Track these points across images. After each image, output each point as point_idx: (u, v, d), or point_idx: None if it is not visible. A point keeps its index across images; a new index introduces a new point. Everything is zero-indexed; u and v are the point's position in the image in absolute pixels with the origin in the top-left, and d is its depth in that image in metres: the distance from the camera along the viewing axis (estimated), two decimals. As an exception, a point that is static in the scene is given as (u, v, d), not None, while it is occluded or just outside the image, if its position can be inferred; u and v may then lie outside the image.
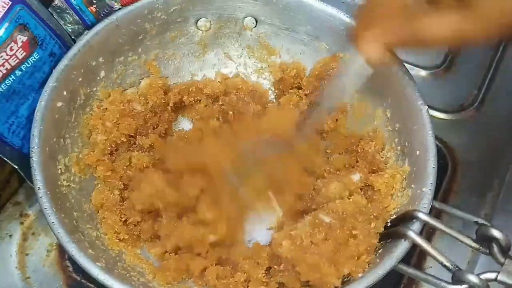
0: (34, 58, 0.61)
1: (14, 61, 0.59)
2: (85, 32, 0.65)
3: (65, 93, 0.61)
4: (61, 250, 0.67)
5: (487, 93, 0.82)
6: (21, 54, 0.59)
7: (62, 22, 0.66)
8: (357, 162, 0.66)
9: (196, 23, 0.72)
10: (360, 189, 0.62)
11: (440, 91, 0.83)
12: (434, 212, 0.66)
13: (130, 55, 0.68)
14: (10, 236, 0.68)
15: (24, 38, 0.59)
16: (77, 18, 0.67)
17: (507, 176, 0.74)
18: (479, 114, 0.80)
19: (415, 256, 0.68)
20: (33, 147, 0.56)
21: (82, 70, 0.63)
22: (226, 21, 0.72)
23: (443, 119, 0.79)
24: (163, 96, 0.70)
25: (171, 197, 0.61)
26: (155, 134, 0.68)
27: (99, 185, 0.64)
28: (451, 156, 0.76)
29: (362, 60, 0.53)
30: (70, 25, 0.66)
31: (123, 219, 0.62)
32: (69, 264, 0.67)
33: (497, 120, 0.79)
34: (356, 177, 0.62)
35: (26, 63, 0.60)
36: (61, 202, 0.57)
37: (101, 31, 0.64)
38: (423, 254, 0.66)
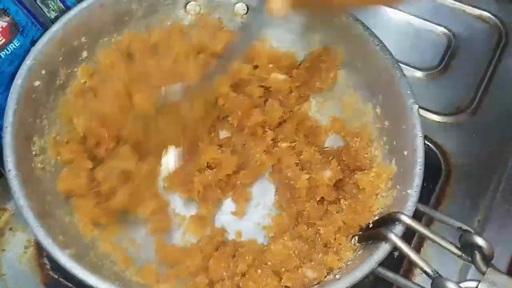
0: (15, 45, 0.59)
1: None
2: (68, 11, 0.63)
3: (43, 72, 0.59)
4: (39, 247, 0.65)
5: (483, 96, 0.80)
6: (0, 40, 0.57)
7: (45, 9, 0.63)
8: (331, 159, 0.64)
9: (185, 6, 0.69)
10: (343, 189, 0.61)
11: (436, 93, 0.81)
12: (425, 218, 0.65)
13: (114, 36, 0.66)
14: (-14, 231, 0.66)
15: (4, 24, 0.57)
16: (61, 5, 0.63)
17: (502, 181, 0.72)
18: (474, 117, 0.78)
19: (406, 262, 0.66)
20: (6, 127, 0.54)
21: (63, 49, 0.61)
22: (217, 6, 0.70)
23: (438, 121, 0.78)
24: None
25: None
26: None
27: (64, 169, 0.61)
28: (445, 159, 0.75)
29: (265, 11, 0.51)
30: (54, 13, 0.63)
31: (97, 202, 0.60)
32: (46, 262, 0.65)
33: (493, 123, 0.77)
34: (327, 173, 0.61)
35: (5, 50, 0.58)
36: (33, 185, 0.55)
37: (84, 10, 0.62)
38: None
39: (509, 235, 0.67)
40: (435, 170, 0.73)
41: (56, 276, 0.64)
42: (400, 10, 0.88)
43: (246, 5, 0.70)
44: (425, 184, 0.68)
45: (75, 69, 0.63)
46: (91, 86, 0.64)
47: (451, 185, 0.72)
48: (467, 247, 0.47)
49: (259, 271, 0.54)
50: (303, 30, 0.68)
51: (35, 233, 0.49)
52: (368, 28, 0.63)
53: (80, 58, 0.64)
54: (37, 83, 0.58)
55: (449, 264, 0.63)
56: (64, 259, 0.48)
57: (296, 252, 0.55)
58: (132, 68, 0.64)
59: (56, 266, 0.64)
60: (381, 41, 0.62)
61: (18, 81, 0.56)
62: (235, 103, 0.66)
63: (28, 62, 0.57)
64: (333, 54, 0.67)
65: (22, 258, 0.65)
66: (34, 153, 0.57)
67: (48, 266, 0.64)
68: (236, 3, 0.70)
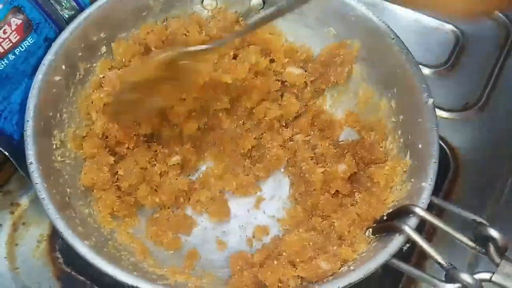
0: (29, 42, 0.59)
1: (8, 45, 0.57)
2: (87, 7, 0.64)
3: (63, 67, 0.60)
4: (52, 241, 0.66)
5: (491, 93, 0.80)
6: (15, 38, 0.58)
7: (58, 7, 0.63)
8: (346, 152, 0.65)
9: (202, 1, 0.70)
10: (358, 182, 0.61)
11: (444, 89, 0.81)
12: (435, 211, 0.65)
13: (132, 31, 0.67)
14: (0, 225, 0.67)
15: (19, 21, 0.58)
16: (74, 4, 0.64)
17: (510, 177, 0.72)
18: (483, 114, 0.78)
19: (415, 255, 0.66)
20: (28, 121, 0.55)
21: (83, 45, 0.62)
22: (234, 1, 0.70)
23: (446, 118, 0.78)
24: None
25: None
26: None
27: (86, 163, 0.62)
28: (454, 155, 0.75)
29: None
30: (67, 11, 0.64)
31: (118, 196, 0.62)
32: (59, 256, 0.66)
33: (501, 120, 0.78)
34: (342, 167, 0.61)
35: (20, 47, 0.59)
36: (54, 177, 0.56)
37: (103, 5, 0.63)
38: (423, 253, 0.65)
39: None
40: (443, 166, 0.73)
41: (68, 270, 0.65)
42: (409, 8, 0.88)
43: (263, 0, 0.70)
44: None
45: (94, 64, 0.64)
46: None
47: (459, 180, 0.73)
48: (481, 239, 0.47)
49: (275, 262, 0.55)
50: (319, 24, 0.69)
51: (55, 225, 0.51)
52: (383, 22, 0.63)
53: (99, 53, 0.65)
54: (57, 78, 0.59)
55: (457, 259, 0.63)
56: (84, 250, 0.50)
57: (310, 243, 0.56)
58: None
59: (69, 260, 0.65)
60: (397, 35, 0.62)
61: (39, 76, 0.57)
62: (252, 85, 0.67)
63: (49, 57, 0.58)
64: (348, 49, 0.67)
65: (35, 252, 0.66)
66: (54, 146, 0.58)
67: (60, 260, 0.65)
68: (252, -2, 0.70)
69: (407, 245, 0.60)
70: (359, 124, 0.68)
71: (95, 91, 0.63)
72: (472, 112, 0.79)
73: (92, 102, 0.63)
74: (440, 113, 0.78)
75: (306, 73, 0.70)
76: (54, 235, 0.67)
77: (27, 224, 0.68)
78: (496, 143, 0.76)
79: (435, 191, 0.69)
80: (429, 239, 0.67)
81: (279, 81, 0.69)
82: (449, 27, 0.87)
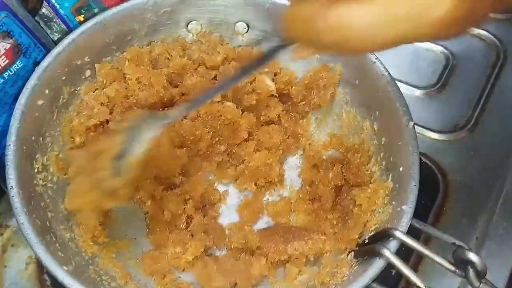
0: (18, 66, 0.60)
1: None
2: (72, 32, 0.64)
3: (47, 91, 0.60)
4: (40, 264, 0.66)
5: (481, 114, 0.80)
6: (4, 62, 0.58)
7: (49, 31, 0.64)
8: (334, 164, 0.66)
9: (187, 26, 0.71)
10: (341, 204, 0.62)
11: (434, 111, 0.81)
12: (423, 236, 0.66)
13: (117, 55, 0.68)
14: (-11, 247, 0.67)
15: (7, 46, 0.58)
16: (64, 27, 0.65)
17: (500, 198, 0.72)
18: (472, 135, 0.78)
19: (403, 280, 0.66)
20: (9, 145, 0.55)
21: (67, 69, 0.62)
22: (218, 25, 0.71)
23: (436, 139, 0.78)
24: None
25: None
26: None
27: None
28: (443, 177, 0.75)
29: None
30: (57, 34, 0.65)
31: (100, 222, 0.61)
32: (47, 278, 0.65)
33: (491, 141, 0.77)
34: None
35: (8, 71, 0.59)
36: (35, 202, 0.56)
37: (87, 30, 0.63)
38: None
39: (507, 252, 0.67)
40: (433, 187, 0.73)
41: None
42: None
43: (247, 24, 0.71)
44: (423, 201, 0.69)
45: (78, 88, 0.65)
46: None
47: (449, 202, 0.72)
48: (461, 263, 0.47)
49: None
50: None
51: (34, 250, 0.50)
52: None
53: (84, 77, 0.65)
54: (40, 102, 0.59)
55: (447, 282, 0.64)
56: (61, 274, 0.49)
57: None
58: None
59: (57, 283, 0.63)
60: (378, 58, 0.63)
61: (21, 100, 0.57)
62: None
63: (32, 81, 0.59)
64: (331, 72, 0.68)
65: (23, 274, 0.66)
66: (36, 170, 0.58)
67: (48, 283, 0.65)
68: (236, 22, 0.71)
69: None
70: (342, 146, 0.69)
71: (77, 115, 0.63)
72: (462, 133, 0.79)
73: (72, 128, 0.63)
74: (430, 134, 0.78)
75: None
76: None
77: (16, 246, 0.67)
78: (486, 165, 0.75)
79: (425, 212, 0.71)
80: (417, 263, 0.67)
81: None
82: (439, 48, 0.88)
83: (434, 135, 0.78)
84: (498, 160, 0.76)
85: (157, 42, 0.70)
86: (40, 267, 0.66)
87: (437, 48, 0.88)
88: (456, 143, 0.78)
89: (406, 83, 0.82)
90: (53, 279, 0.64)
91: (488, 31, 0.88)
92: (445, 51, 0.87)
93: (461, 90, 0.83)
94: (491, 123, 0.79)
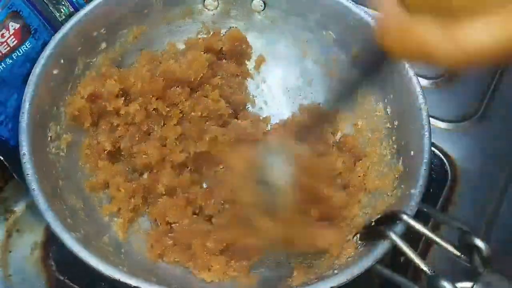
0: (26, 47, 0.60)
1: (5, 49, 0.58)
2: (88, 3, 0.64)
3: (62, 61, 0.60)
4: (46, 249, 0.66)
5: (489, 104, 0.80)
6: (13, 42, 0.58)
7: (57, 14, 0.64)
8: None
9: (204, 1, 0.71)
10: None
11: (442, 101, 0.81)
12: (432, 222, 0.66)
13: (133, 29, 0.68)
14: (-6, 232, 0.67)
15: (17, 26, 0.58)
16: (73, 11, 0.65)
17: (508, 187, 0.72)
18: (480, 125, 0.78)
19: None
20: (23, 113, 0.55)
21: (82, 40, 0.63)
22: (234, 2, 0.71)
23: (444, 129, 0.78)
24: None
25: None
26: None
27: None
28: (452, 166, 0.75)
29: None
30: (65, 18, 0.65)
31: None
32: (53, 264, 0.65)
33: (498, 131, 0.77)
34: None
35: (17, 52, 0.59)
36: (47, 169, 0.56)
37: (104, 1, 0.63)
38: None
39: (515, 241, 0.67)
40: (441, 177, 0.73)
41: (62, 278, 0.64)
42: None
43: (263, 1, 0.71)
44: (431, 190, 0.70)
45: (94, 59, 0.65)
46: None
47: (457, 191, 0.72)
48: (466, 248, 0.47)
49: None
50: (318, 27, 0.69)
51: (44, 216, 0.51)
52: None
53: (99, 49, 0.65)
54: (55, 71, 0.60)
55: (458, 269, 0.63)
56: (70, 242, 0.50)
57: None
58: None
59: (63, 268, 0.65)
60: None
61: (36, 69, 0.58)
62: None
63: (48, 51, 0.59)
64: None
65: (28, 259, 0.65)
66: (49, 138, 0.59)
67: (54, 268, 0.65)
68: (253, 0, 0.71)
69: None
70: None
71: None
72: (470, 123, 0.79)
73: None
74: (438, 124, 0.78)
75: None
76: (48, 243, 0.67)
77: (21, 231, 0.67)
78: (493, 154, 0.75)
79: (433, 201, 0.71)
80: (427, 249, 0.66)
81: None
82: (448, 38, 0.86)
83: (443, 125, 0.78)
84: (506, 149, 0.75)
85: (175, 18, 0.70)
86: (46, 253, 0.66)
87: (445, 37, 0.86)
88: (464, 133, 0.78)
89: (415, 73, 0.80)
90: (59, 264, 0.65)
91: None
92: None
93: (469, 80, 0.83)
94: (498, 112, 0.79)
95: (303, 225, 0.55)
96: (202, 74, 0.67)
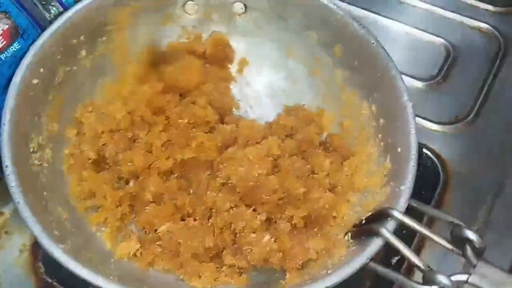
0: (15, 48, 0.59)
1: None
2: (67, 10, 0.63)
3: (42, 70, 0.59)
4: (34, 252, 0.65)
5: (482, 106, 0.81)
6: (1, 43, 0.58)
7: (47, 15, 0.64)
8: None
9: (184, 6, 0.70)
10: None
11: (435, 102, 0.81)
12: (426, 219, 0.66)
13: (113, 36, 0.67)
14: (-18, 234, 0.66)
15: (5, 27, 0.57)
16: (63, 10, 0.64)
17: (501, 190, 0.73)
18: (473, 127, 0.79)
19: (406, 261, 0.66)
20: (4, 124, 0.54)
21: (62, 48, 0.61)
22: (214, 5, 0.71)
23: (437, 130, 0.78)
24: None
25: None
26: None
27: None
28: (444, 168, 0.75)
29: None
30: (54, 18, 0.64)
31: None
32: (41, 266, 0.65)
33: (491, 133, 0.78)
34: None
35: (5, 53, 0.58)
36: (31, 181, 0.55)
37: (83, 8, 0.62)
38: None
39: (508, 243, 0.67)
40: (433, 178, 0.73)
41: (50, 281, 0.64)
42: (400, 22, 0.90)
43: (244, 4, 0.70)
44: (423, 192, 0.70)
45: (74, 67, 0.64)
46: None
47: (449, 193, 0.73)
48: (459, 241, 0.47)
49: None
50: (301, 28, 0.69)
51: (30, 228, 0.50)
52: (363, 26, 0.63)
53: (79, 57, 0.64)
54: (35, 81, 0.58)
55: (452, 264, 0.63)
56: (58, 253, 0.49)
57: None
58: None
59: (51, 271, 0.64)
60: (377, 39, 0.62)
61: (16, 78, 0.56)
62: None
63: (27, 60, 0.58)
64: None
65: (17, 262, 0.65)
66: (32, 149, 0.58)
67: (42, 271, 0.64)
68: (234, 3, 0.70)
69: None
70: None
71: None
72: (462, 125, 0.79)
73: None
74: (431, 125, 0.79)
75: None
76: (37, 245, 0.66)
77: (10, 233, 0.67)
78: (486, 156, 0.76)
79: (425, 203, 0.68)
80: (421, 245, 0.67)
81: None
82: (440, 40, 0.88)
83: (435, 127, 0.79)
84: (498, 151, 0.76)
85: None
86: (34, 255, 0.65)
87: (437, 40, 0.88)
88: (456, 135, 0.78)
89: (407, 75, 0.81)
90: (48, 267, 0.64)
91: (488, 23, 0.89)
92: (446, 43, 0.87)
93: (461, 82, 0.84)
94: (491, 114, 0.80)
95: (290, 239, 0.56)
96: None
